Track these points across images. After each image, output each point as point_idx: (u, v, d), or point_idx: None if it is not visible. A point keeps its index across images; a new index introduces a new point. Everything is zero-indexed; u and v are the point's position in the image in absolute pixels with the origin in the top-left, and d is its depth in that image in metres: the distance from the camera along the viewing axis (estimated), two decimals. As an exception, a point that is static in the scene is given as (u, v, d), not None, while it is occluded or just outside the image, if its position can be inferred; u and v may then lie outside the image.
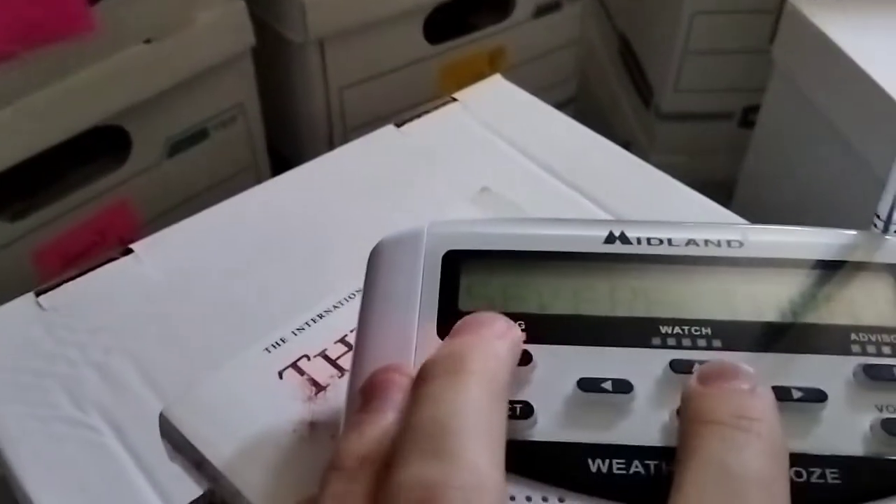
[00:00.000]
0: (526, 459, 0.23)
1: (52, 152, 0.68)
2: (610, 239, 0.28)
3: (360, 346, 0.27)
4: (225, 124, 0.84)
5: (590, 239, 0.28)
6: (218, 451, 0.30)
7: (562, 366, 0.25)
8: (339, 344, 0.33)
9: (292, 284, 0.45)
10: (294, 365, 0.33)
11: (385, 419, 0.22)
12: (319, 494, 0.22)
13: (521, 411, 0.23)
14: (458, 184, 0.48)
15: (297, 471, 0.29)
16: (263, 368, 0.32)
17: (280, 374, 0.32)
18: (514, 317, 0.26)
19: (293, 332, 0.34)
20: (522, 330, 0.26)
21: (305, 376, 0.32)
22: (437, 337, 0.26)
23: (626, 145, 0.56)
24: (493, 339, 0.24)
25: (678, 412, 0.23)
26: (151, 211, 0.81)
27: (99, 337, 0.46)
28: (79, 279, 0.49)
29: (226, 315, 0.45)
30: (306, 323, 0.34)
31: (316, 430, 0.30)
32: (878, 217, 0.29)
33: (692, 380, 0.23)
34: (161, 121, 0.78)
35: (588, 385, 0.24)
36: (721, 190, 0.81)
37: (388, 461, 0.21)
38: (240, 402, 0.31)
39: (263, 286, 0.46)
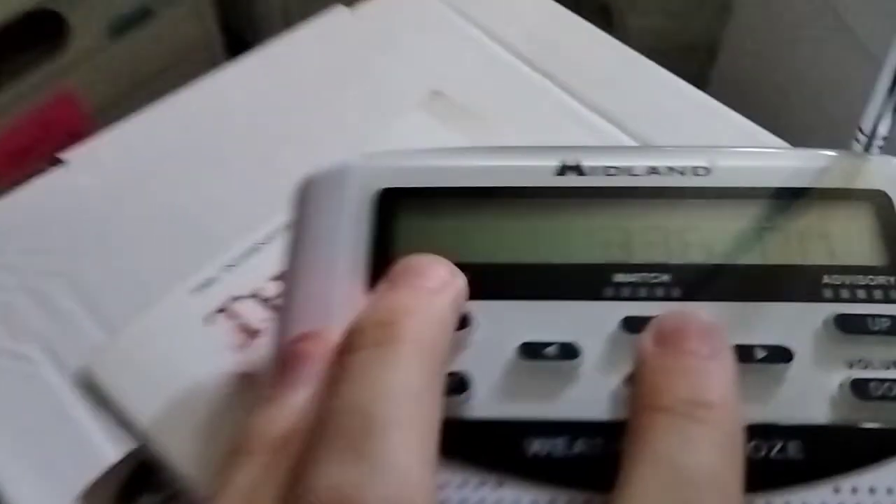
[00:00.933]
0: (459, 441, 0.20)
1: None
2: (562, 170, 0.25)
3: (283, 302, 0.24)
4: (171, 2, 0.77)
5: (539, 171, 0.25)
6: (141, 412, 0.27)
7: (502, 327, 0.22)
8: (276, 282, 0.30)
9: (238, 194, 0.42)
10: (224, 309, 0.30)
11: (297, 397, 0.20)
12: (222, 481, 0.19)
13: (454, 385, 0.21)
14: (414, 77, 0.44)
15: (230, 432, 0.27)
16: (189, 313, 0.30)
17: (208, 320, 0.30)
18: (452, 268, 0.23)
19: (222, 269, 0.31)
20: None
21: (236, 321, 0.29)
22: (367, 291, 0.23)
23: (604, 9, 0.51)
24: (433, 293, 0.21)
25: (629, 380, 0.21)
26: (99, 101, 0.76)
27: (32, 259, 0.43)
28: (7, 197, 0.46)
29: (170, 231, 0.42)
30: (237, 258, 0.31)
31: (248, 383, 0.28)
32: (861, 132, 0.26)
33: (646, 338, 0.20)
34: (99, 1, 0.71)
35: (530, 351, 0.22)
36: (703, 56, 0.76)
37: (299, 453, 0.19)
38: (163, 354, 0.29)
39: (208, 196, 0.42)
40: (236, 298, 0.30)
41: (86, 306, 0.42)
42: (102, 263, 0.43)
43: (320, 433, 0.18)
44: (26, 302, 0.42)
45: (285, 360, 0.21)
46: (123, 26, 0.75)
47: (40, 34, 0.70)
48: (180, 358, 0.29)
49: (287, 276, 0.24)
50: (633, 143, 0.41)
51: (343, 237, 0.24)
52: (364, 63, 0.46)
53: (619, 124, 0.42)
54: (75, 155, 0.47)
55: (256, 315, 0.30)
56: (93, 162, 0.46)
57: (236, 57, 0.49)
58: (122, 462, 0.31)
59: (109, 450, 0.34)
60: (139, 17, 0.75)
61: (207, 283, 0.30)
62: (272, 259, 0.31)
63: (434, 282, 0.21)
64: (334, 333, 0.22)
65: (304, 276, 0.24)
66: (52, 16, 0.69)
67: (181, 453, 0.27)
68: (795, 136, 0.38)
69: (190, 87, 0.48)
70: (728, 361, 0.20)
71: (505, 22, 0.48)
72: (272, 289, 0.30)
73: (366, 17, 0.50)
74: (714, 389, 0.19)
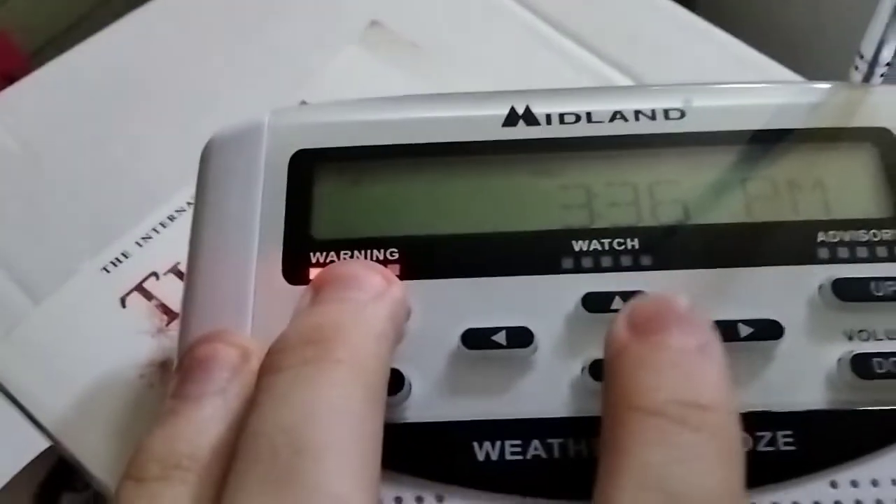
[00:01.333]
0: (395, 449, 0.17)
1: None
2: (511, 119, 0.21)
3: (186, 290, 0.20)
4: None
5: (484, 122, 0.21)
6: (47, 409, 0.24)
7: (444, 312, 0.19)
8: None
9: (164, 148, 0.37)
10: (140, 287, 0.26)
11: (202, 411, 0.17)
12: None
13: (389, 384, 0.18)
14: (352, 4, 0.39)
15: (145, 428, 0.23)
16: (102, 294, 0.26)
17: (123, 301, 0.26)
18: (384, 243, 0.20)
19: (137, 242, 0.27)
20: (395, 261, 0.20)
21: (154, 301, 0.26)
22: (281, 278, 0.20)
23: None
24: (366, 305, 0.17)
25: (590, 370, 0.18)
26: (36, 42, 0.71)
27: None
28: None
29: (97, 190, 0.38)
30: (153, 229, 0.27)
31: (168, 373, 0.25)
32: (861, 57, 0.22)
33: (619, 324, 0.16)
34: None
35: (475, 339, 0.18)
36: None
37: (214, 476, 0.16)
38: (74, 342, 0.25)
39: (134, 150, 0.38)
40: (153, 275, 0.27)
41: (10, 277, 0.38)
42: (26, 229, 0.39)
43: (242, 457, 0.15)
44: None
45: (188, 367, 0.18)
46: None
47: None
48: (91, 346, 0.25)
49: (189, 260, 0.20)
50: (614, 73, 0.37)
51: (253, 211, 0.20)
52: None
53: (595, 50, 0.37)
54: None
55: (177, 293, 0.26)
56: (10, 116, 0.42)
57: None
58: (37, 460, 0.28)
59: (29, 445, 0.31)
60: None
61: (120, 260, 0.27)
62: (188, 231, 0.27)
63: (367, 293, 0.18)
64: (243, 335, 0.18)
65: (209, 259, 0.20)
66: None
67: (92, 454, 0.24)
68: (795, 64, 0.35)
69: (116, 24, 0.44)
70: (718, 356, 0.16)
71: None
72: (195, 262, 0.27)
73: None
74: (708, 389, 0.15)
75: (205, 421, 0.17)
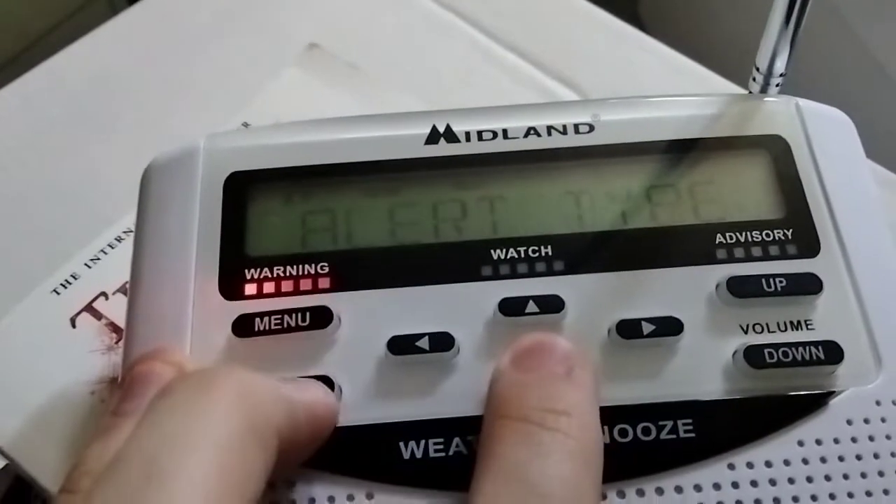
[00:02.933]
0: (327, 449, 0.19)
1: None
2: (433, 137, 0.23)
3: (129, 309, 0.21)
4: None
5: (408, 141, 0.23)
6: (3, 427, 0.25)
7: (370, 321, 0.20)
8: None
9: (113, 169, 0.38)
10: (89, 307, 0.27)
11: (131, 428, 0.18)
12: None
13: (319, 392, 0.19)
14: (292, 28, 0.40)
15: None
16: (52, 316, 0.27)
17: (73, 321, 0.27)
18: (314, 258, 0.21)
19: (85, 264, 0.28)
20: (325, 275, 0.21)
21: (103, 320, 0.27)
22: (218, 295, 0.21)
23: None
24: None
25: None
26: None
27: None
28: None
29: (50, 212, 0.39)
30: (101, 251, 0.28)
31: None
32: (757, 69, 0.24)
33: (503, 357, 0.18)
34: None
35: (400, 346, 0.20)
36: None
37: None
38: (26, 362, 0.26)
39: (83, 173, 0.39)
40: (102, 295, 0.28)
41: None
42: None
43: (105, 477, 0.16)
44: None
45: (126, 385, 0.19)
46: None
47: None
48: (43, 365, 0.26)
49: (131, 280, 0.22)
50: (556, 86, 0.38)
51: (190, 231, 0.22)
52: (246, 8, 0.42)
53: (537, 64, 0.39)
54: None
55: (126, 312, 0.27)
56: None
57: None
58: (-6, 479, 0.28)
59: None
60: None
61: (70, 282, 0.28)
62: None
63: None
64: (181, 352, 0.20)
65: (149, 279, 0.21)
66: None
67: (47, 470, 0.24)
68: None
69: (66, 50, 0.44)
70: (585, 381, 0.18)
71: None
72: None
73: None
74: (567, 399, 0.17)
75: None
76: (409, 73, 0.36)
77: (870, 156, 0.31)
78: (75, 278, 0.28)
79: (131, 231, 0.29)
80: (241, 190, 0.22)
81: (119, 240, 0.29)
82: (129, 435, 0.16)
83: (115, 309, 0.27)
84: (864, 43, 0.49)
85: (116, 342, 0.27)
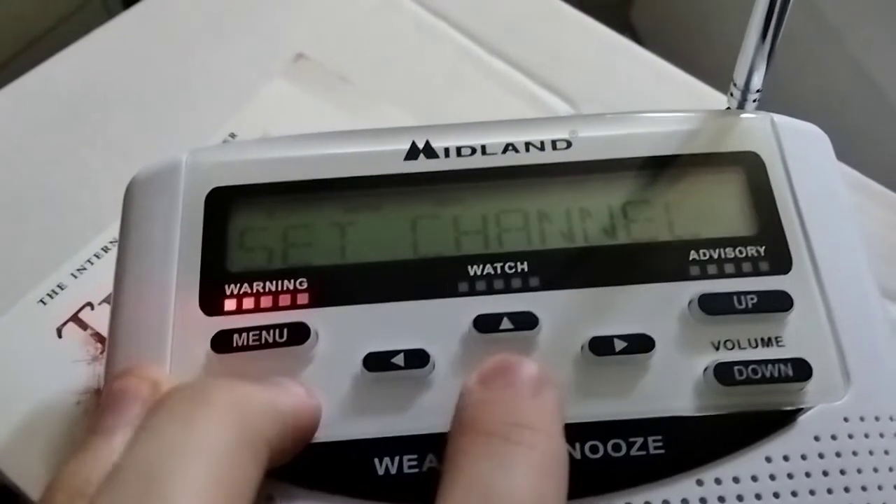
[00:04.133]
0: (302, 466, 0.19)
1: None
2: (412, 153, 0.23)
3: (111, 324, 0.22)
4: None
5: (387, 157, 0.23)
6: (-13, 438, 0.25)
7: (347, 337, 0.20)
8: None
9: (98, 180, 0.38)
10: (75, 317, 0.28)
11: (110, 443, 0.18)
12: None
13: (295, 406, 0.19)
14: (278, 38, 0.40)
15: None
16: (38, 325, 0.27)
17: (59, 332, 0.27)
18: (293, 273, 0.21)
19: (72, 274, 0.28)
20: (304, 290, 0.21)
21: (89, 331, 0.27)
22: (199, 311, 0.21)
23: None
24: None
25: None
26: None
27: None
28: None
29: (37, 221, 0.39)
30: (88, 261, 0.29)
31: (103, 399, 0.26)
32: (735, 85, 0.25)
33: (471, 377, 0.19)
34: None
35: (376, 362, 0.20)
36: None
37: None
38: (11, 372, 0.27)
39: (79, 174, 0.39)
40: (88, 305, 0.28)
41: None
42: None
43: (103, 488, 0.16)
44: None
45: (104, 402, 0.19)
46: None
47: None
48: (28, 375, 0.26)
49: (114, 295, 0.22)
50: (545, 94, 0.38)
51: (172, 246, 0.22)
52: (234, 18, 0.42)
53: (526, 71, 0.39)
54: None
55: (111, 322, 0.28)
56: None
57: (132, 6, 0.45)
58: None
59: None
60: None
61: (56, 292, 0.28)
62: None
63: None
64: (160, 369, 0.20)
65: (131, 294, 0.22)
66: None
67: (32, 479, 0.25)
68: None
69: (58, 56, 0.45)
70: (551, 397, 0.18)
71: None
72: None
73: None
74: (532, 415, 0.18)
75: (111, 452, 0.18)
76: (397, 82, 0.36)
77: (857, 165, 0.32)
78: (62, 288, 0.28)
79: (116, 241, 0.29)
80: (223, 205, 0.22)
81: (105, 250, 0.29)
82: (127, 447, 0.16)
83: (101, 319, 0.27)
84: (853, 55, 0.49)
85: (102, 352, 0.27)
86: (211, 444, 0.16)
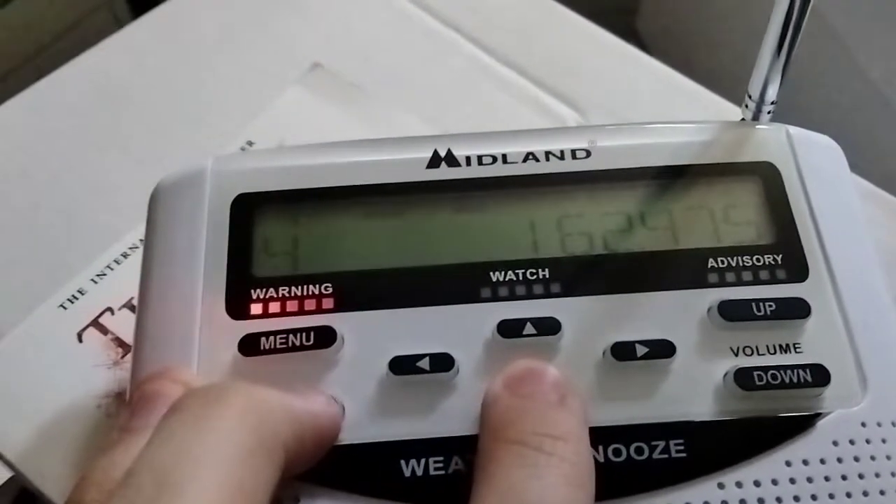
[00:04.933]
0: (329, 468, 0.19)
1: None
2: (434, 161, 0.23)
3: (137, 327, 0.22)
4: None
5: (410, 164, 0.23)
6: (10, 440, 0.26)
7: (373, 341, 0.21)
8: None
9: (117, 187, 0.39)
10: (96, 322, 0.28)
11: (140, 442, 0.18)
12: None
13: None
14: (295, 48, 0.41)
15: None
16: (59, 331, 0.28)
17: (80, 336, 0.28)
18: (319, 279, 0.22)
19: (92, 279, 0.29)
20: (329, 295, 0.21)
21: (109, 335, 0.28)
22: (225, 314, 0.21)
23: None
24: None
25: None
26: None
27: None
28: None
29: (56, 228, 0.39)
30: (108, 266, 0.29)
31: (123, 403, 0.26)
32: (750, 97, 0.25)
33: (496, 382, 0.19)
34: None
35: (402, 366, 0.20)
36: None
37: None
38: (33, 377, 0.27)
39: (89, 189, 0.39)
40: (108, 310, 0.28)
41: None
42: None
43: (118, 491, 0.16)
44: None
45: (136, 402, 0.19)
46: (10, -7, 0.70)
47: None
48: (50, 379, 0.27)
49: (141, 297, 0.22)
50: (555, 103, 0.39)
51: (198, 252, 0.22)
52: (252, 27, 0.43)
53: (537, 81, 0.39)
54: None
55: (131, 327, 0.28)
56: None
57: (141, 15, 0.45)
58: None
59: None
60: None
61: (76, 297, 0.28)
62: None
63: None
64: (189, 371, 0.20)
65: (158, 298, 0.22)
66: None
67: (53, 482, 0.25)
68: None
69: (67, 65, 0.45)
70: (576, 408, 0.19)
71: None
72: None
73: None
74: (563, 426, 0.18)
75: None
76: (410, 91, 0.37)
77: (869, 176, 0.32)
78: (82, 293, 0.28)
79: (137, 247, 0.30)
80: (248, 211, 0.23)
81: (125, 255, 0.29)
82: (141, 450, 0.17)
83: (121, 324, 0.28)
84: (864, 69, 0.50)
85: (122, 357, 0.27)
86: (224, 447, 0.16)
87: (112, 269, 0.29)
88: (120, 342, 0.27)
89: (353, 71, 0.36)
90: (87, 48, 0.43)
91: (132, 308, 0.28)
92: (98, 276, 0.29)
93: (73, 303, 0.28)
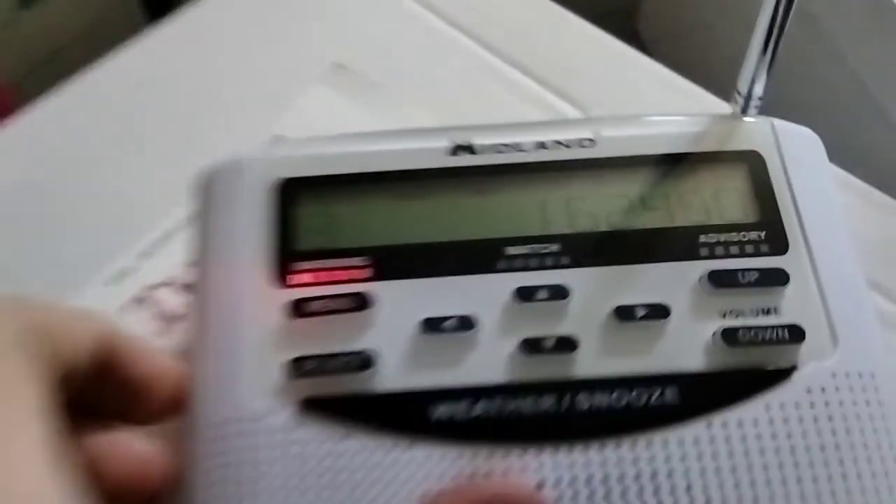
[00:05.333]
0: (370, 411, 0.22)
1: None
2: (455, 150, 0.26)
3: (192, 304, 0.25)
4: None
5: (433, 153, 0.26)
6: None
7: (406, 304, 0.24)
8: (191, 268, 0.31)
9: (156, 177, 0.41)
10: (140, 299, 0.31)
11: None
12: None
13: (360, 363, 0.22)
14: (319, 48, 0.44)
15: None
16: (105, 305, 0.30)
17: (125, 310, 0.30)
18: (356, 252, 0.24)
19: (136, 258, 0.31)
20: (365, 266, 0.24)
21: (154, 310, 0.30)
22: (272, 284, 0.24)
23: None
24: None
25: (521, 347, 0.23)
26: (17, 72, 0.74)
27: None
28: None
29: (100, 213, 0.42)
30: (151, 246, 0.32)
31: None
32: (738, 94, 0.28)
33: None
34: None
35: (431, 326, 0.23)
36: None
37: None
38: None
39: (129, 178, 0.42)
40: (152, 287, 0.31)
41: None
42: (23, 252, 0.42)
43: None
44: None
45: None
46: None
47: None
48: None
49: (194, 276, 0.25)
50: (557, 101, 0.41)
51: (244, 229, 0.25)
52: (276, 29, 0.45)
53: (540, 81, 0.42)
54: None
55: (173, 301, 0.30)
56: (10, 146, 0.46)
57: (157, 20, 0.48)
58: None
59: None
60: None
61: (123, 273, 0.31)
62: (186, 245, 0.31)
63: None
64: None
65: (210, 275, 0.25)
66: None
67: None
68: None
69: (100, 64, 0.48)
70: None
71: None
72: (187, 275, 0.31)
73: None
74: None
75: None
76: (423, 89, 0.40)
77: (851, 168, 0.35)
78: (127, 272, 0.31)
79: (178, 229, 0.32)
80: (291, 193, 0.25)
81: (168, 236, 0.32)
82: None
83: (165, 299, 0.30)
84: (853, 67, 0.53)
85: (167, 328, 0.30)
86: None
87: (156, 248, 0.32)
88: (164, 316, 0.30)
89: (372, 70, 0.39)
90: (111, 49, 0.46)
91: (174, 285, 0.31)
92: (142, 254, 0.32)
93: (117, 280, 0.31)
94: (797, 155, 0.27)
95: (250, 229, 0.25)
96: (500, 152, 0.26)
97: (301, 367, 0.22)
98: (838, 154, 0.29)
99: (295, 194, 0.25)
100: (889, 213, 0.35)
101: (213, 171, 0.26)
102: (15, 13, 0.73)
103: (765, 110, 0.28)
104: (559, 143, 0.26)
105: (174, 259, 0.31)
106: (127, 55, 0.46)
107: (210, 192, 0.26)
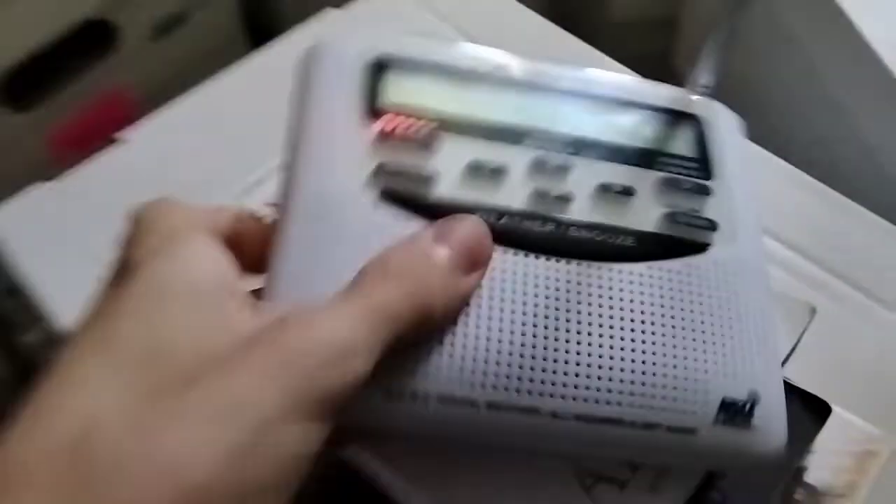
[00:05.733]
0: (426, 211, 0.31)
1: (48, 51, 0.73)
2: (505, 68, 0.37)
3: (289, 155, 0.33)
4: (203, 5, 0.86)
5: (495, 66, 0.37)
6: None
7: (460, 150, 0.33)
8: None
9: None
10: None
11: None
12: None
13: (425, 179, 0.32)
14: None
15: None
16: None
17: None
18: (429, 113, 0.34)
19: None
20: (434, 120, 0.34)
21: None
22: (361, 129, 0.33)
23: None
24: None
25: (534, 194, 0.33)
26: (147, 95, 0.82)
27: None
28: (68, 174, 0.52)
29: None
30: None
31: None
32: (694, 81, 0.40)
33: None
34: (143, 8, 0.81)
35: (475, 166, 0.33)
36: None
37: None
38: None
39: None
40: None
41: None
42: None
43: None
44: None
45: None
46: (164, 29, 0.83)
47: (93, 40, 0.79)
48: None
49: (293, 132, 0.33)
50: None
51: (342, 93, 0.34)
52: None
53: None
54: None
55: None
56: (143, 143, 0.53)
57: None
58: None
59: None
60: (176, 21, 0.84)
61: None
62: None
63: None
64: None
65: (308, 129, 0.33)
66: (102, 24, 0.78)
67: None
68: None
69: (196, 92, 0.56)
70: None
71: (479, 24, 0.58)
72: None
73: (359, 17, 0.57)
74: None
75: None
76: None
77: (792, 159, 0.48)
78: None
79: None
80: (381, 69, 0.35)
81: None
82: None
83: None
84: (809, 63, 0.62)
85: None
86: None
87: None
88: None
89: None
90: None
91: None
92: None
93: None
94: (724, 125, 0.39)
95: (346, 91, 0.34)
96: (539, 76, 0.37)
97: (384, 167, 0.32)
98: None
99: (384, 69, 0.35)
100: (785, 175, 0.49)
101: (316, 46, 0.36)
102: (148, 44, 0.84)
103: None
104: (577, 78, 0.37)
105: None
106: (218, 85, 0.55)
107: (314, 64, 0.35)
